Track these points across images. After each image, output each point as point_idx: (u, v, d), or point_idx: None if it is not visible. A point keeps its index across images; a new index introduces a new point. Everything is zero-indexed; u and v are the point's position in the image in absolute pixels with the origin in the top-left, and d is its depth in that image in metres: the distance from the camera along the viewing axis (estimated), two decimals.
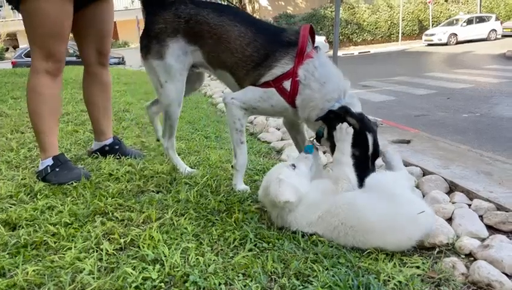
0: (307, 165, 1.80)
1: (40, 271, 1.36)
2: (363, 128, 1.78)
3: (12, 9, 2.28)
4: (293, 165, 1.76)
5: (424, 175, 2.26)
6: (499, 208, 1.84)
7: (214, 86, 6.79)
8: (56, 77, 2.19)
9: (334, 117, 1.80)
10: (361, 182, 1.70)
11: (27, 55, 16.56)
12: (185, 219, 1.74)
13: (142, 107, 4.58)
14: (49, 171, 2.19)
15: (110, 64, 15.24)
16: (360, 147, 1.77)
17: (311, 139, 2.02)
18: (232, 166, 2.10)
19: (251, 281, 1.32)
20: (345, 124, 1.75)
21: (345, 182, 1.68)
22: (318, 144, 1.98)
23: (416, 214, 1.50)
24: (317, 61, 1.88)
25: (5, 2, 2.19)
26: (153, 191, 2.07)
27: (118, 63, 16.77)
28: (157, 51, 2.08)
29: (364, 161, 1.78)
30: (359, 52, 21.10)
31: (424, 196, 2.06)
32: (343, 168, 1.71)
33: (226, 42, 2.00)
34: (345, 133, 1.73)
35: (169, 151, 2.37)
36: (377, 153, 1.83)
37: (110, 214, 1.79)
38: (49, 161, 2.22)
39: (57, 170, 2.19)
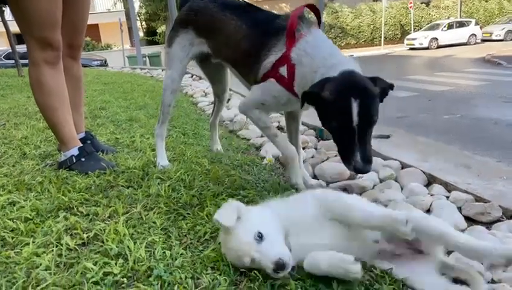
0: (277, 228, 1.27)
1: None
2: (344, 93, 1.52)
3: None
4: (259, 236, 1.21)
5: (402, 168, 2.23)
6: (478, 199, 1.81)
7: (194, 86, 6.72)
8: (56, 65, 2.18)
9: (314, 92, 1.58)
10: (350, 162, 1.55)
11: (7, 57, 16.18)
12: (154, 213, 1.66)
13: (119, 106, 4.48)
14: (74, 161, 2.21)
15: (93, 66, 14.97)
16: (340, 116, 1.54)
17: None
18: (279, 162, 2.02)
19: (220, 274, 1.25)
20: None
21: None
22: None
23: None
24: (310, 37, 1.79)
25: None
26: (122, 186, 1.98)
27: (101, 65, 16.60)
28: (170, 39, 2.21)
29: (348, 134, 1.55)
30: None
31: (402, 189, 2.02)
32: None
33: (225, 36, 2.01)
34: None
35: (157, 139, 2.36)
36: (368, 122, 1.57)
37: (75, 209, 1.69)
38: (74, 151, 2.22)
39: (83, 160, 2.21)
